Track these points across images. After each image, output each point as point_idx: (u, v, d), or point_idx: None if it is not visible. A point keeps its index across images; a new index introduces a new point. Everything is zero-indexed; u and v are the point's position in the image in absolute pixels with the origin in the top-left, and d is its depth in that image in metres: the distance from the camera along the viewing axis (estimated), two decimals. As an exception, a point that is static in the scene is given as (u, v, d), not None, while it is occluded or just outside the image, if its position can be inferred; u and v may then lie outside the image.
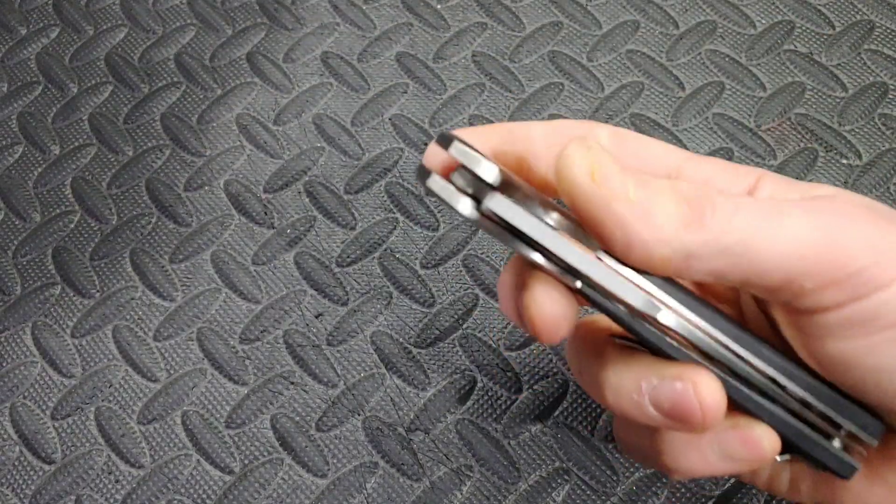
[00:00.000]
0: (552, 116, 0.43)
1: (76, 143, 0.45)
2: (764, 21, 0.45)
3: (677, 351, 0.22)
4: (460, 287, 0.39)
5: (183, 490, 0.36)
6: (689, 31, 0.45)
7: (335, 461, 0.36)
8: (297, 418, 0.37)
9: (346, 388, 0.37)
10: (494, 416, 0.36)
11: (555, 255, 0.21)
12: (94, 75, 0.47)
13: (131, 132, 0.45)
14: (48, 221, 0.43)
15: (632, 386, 0.23)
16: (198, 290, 0.40)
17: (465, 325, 0.38)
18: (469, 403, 0.36)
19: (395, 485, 0.35)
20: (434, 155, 0.23)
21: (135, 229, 0.42)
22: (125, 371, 0.38)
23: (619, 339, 0.25)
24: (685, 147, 0.42)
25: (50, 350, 0.39)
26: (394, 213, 0.41)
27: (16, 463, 0.37)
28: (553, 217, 0.22)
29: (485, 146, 0.25)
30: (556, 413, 0.36)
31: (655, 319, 0.22)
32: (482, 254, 0.40)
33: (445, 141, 0.22)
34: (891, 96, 0.42)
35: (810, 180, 0.40)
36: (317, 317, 0.39)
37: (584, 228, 0.22)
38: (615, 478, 0.34)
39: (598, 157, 0.21)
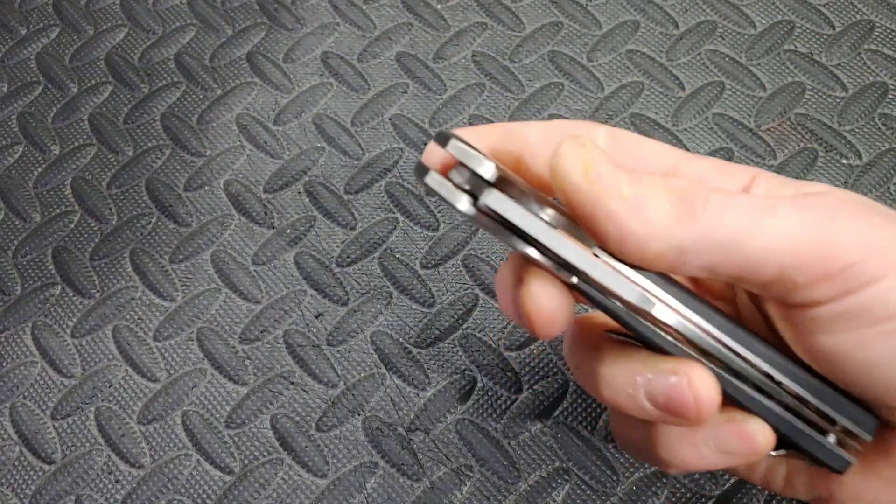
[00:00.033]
0: (552, 116, 0.43)
1: (76, 143, 0.45)
2: (764, 21, 0.45)
3: (672, 346, 0.23)
4: (460, 287, 0.39)
5: (183, 490, 0.36)
6: (689, 31, 0.45)
7: (335, 461, 0.36)
8: (297, 418, 0.37)
9: (346, 388, 0.37)
10: (494, 416, 0.36)
11: (550, 251, 0.22)
12: (94, 75, 0.47)
13: (131, 132, 0.45)
14: (48, 221, 0.43)
15: (627, 380, 0.23)
16: (198, 290, 0.40)
17: (465, 325, 0.38)
18: (469, 403, 0.36)
19: (395, 485, 0.35)
20: (432, 153, 0.24)
21: (135, 229, 0.42)
22: (125, 371, 0.38)
23: (614, 335, 0.25)
24: (685, 147, 0.42)
25: (50, 350, 0.39)
26: (394, 213, 0.41)
27: (16, 463, 0.37)
28: (549, 213, 0.22)
29: (483, 145, 0.25)
30: (556, 413, 0.36)
31: (650, 314, 0.22)
32: (482, 254, 0.40)
33: (443, 139, 0.22)
34: (891, 96, 0.42)
35: (810, 180, 0.40)
36: (317, 317, 0.39)
37: (580, 225, 0.22)
38: (615, 478, 0.34)
39: (592, 155, 0.21)
